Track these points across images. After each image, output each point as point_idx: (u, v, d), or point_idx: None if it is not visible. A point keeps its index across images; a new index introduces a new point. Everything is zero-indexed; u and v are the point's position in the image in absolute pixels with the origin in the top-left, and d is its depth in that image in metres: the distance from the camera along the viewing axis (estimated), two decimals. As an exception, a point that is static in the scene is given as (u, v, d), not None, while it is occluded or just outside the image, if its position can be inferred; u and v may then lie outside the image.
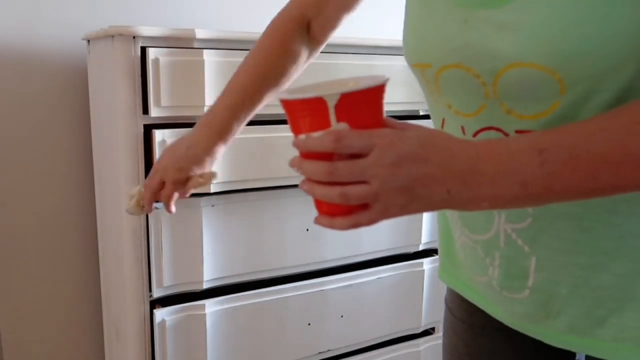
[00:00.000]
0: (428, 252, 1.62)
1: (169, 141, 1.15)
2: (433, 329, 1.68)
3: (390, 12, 2.05)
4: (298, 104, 0.51)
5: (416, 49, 0.63)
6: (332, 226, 0.52)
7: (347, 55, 1.35)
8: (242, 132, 1.23)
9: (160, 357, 1.25)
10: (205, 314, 1.27)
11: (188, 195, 0.90)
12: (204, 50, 1.17)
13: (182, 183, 0.86)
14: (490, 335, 0.74)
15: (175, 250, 1.23)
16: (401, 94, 1.43)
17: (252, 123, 1.27)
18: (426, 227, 1.57)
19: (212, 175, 0.88)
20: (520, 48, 0.50)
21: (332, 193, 0.49)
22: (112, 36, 1.14)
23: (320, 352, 1.47)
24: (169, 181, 0.86)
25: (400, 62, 1.41)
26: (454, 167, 0.48)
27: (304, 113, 0.51)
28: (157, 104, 1.14)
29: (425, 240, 1.58)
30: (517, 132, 0.55)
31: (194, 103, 1.17)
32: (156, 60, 1.12)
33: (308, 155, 0.51)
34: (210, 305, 1.28)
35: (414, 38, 0.63)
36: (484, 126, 0.58)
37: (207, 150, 0.85)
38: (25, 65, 1.41)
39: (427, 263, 1.58)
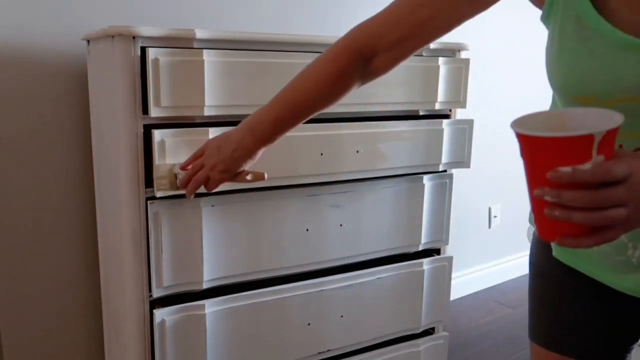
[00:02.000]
0: (428, 252, 1.62)
1: (169, 141, 1.15)
2: (433, 329, 1.68)
3: (391, 12, 2.05)
4: (564, 141, 0.55)
5: (579, 86, 0.68)
6: (579, 245, 0.58)
7: (347, 55, 1.34)
8: (242, 132, 1.23)
9: (160, 357, 1.25)
10: (205, 314, 1.27)
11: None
12: (204, 50, 1.17)
13: (226, 179, 1.02)
14: (593, 296, 0.85)
15: (175, 250, 1.23)
16: (401, 93, 1.43)
17: (252, 123, 1.27)
18: (426, 227, 1.57)
19: (262, 176, 1.07)
20: None
21: (593, 217, 0.55)
22: (112, 36, 1.14)
23: (320, 352, 1.47)
24: (214, 178, 1.01)
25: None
26: None
27: (566, 148, 0.55)
28: (157, 104, 1.14)
29: (425, 240, 1.58)
30: None
31: (193, 103, 1.17)
32: (156, 61, 1.12)
33: (560, 184, 0.56)
34: (210, 305, 1.28)
35: (574, 77, 0.69)
36: None
37: (250, 154, 0.98)
38: (25, 65, 1.41)
39: (427, 263, 1.58)
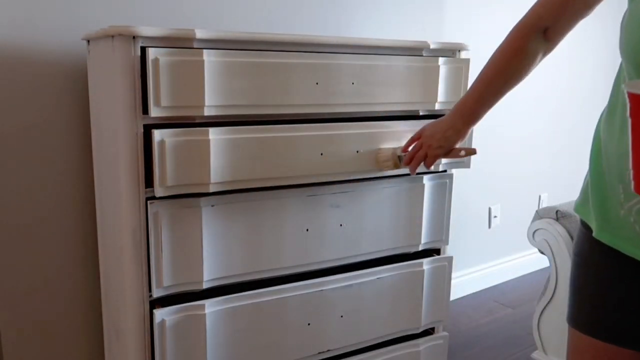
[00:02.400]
0: (428, 252, 1.62)
1: (169, 141, 1.15)
2: (433, 329, 1.68)
3: (390, 12, 2.05)
4: None
5: None
6: None
7: (347, 55, 1.35)
8: (242, 132, 1.23)
9: (160, 357, 1.25)
10: (205, 314, 1.27)
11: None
12: (204, 50, 1.17)
13: (440, 155, 1.24)
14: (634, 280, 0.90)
15: (175, 250, 1.23)
16: (401, 94, 1.43)
17: (251, 123, 1.27)
18: (426, 227, 1.57)
19: (474, 150, 1.28)
20: None
21: None
22: (112, 36, 1.14)
23: (320, 352, 1.47)
24: (431, 155, 1.23)
25: (400, 62, 1.41)
26: None
27: None
28: (157, 104, 1.14)
29: (425, 240, 1.58)
30: None
31: (193, 103, 1.17)
32: (156, 60, 1.12)
33: None
34: (210, 305, 1.28)
35: None
36: None
37: (461, 133, 1.19)
38: (25, 65, 1.41)
39: (427, 263, 1.58)
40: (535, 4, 1.03)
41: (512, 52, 1.06)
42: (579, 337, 0.95)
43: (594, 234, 0.90)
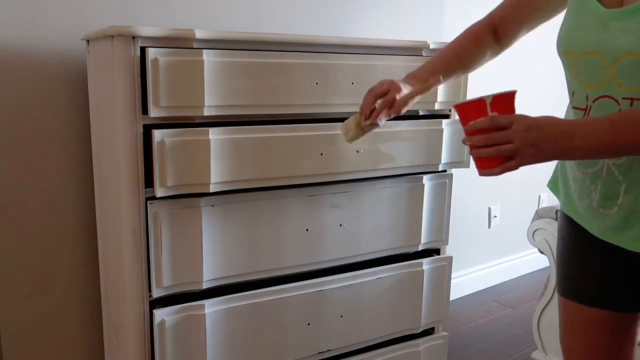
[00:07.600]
0: (428, 252, 1.62)
1: (168, 141, 1.15)
2: (433, 329, 1.68)
3: (390, 12, 2.05)
4: (468, 105, 0.88)
5: (568, 41, 0.95)
6: (491, 174, 0.87)
7: (347, 55, 1.35)
8: (242, 132, 1.23)
9: (160, 357, 1.25)
10: (204, 314, 1.27)
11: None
12: (204, 50, 1.17)
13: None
14: (585, 246, 1.05)
15: (175, 250, 1.23)
16: (401, 94, 1.43)
17: (251, 123, 1.27)
18: (426, 227, 1.57)
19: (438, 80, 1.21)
20: (634, 44, 0.84)
21: (490, 150, 0.85)
22: (112, 36, 1.14)
23: (320, 352, 1.47)
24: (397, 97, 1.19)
25: (400, 62, 1.41)
26: (559, 130, 0.83)
27: (471, 109, 0.88)
28: (157, 104, 1.14)
29: (425, 240, 1.58)
30: (623, 99, 0.87)
31: (193, 103, 1.17)
32: (156, 61, 1.12)
33: (474, 133, 0.87)
34: (210, 306, 1.28)
35: (567, 35, 0.96)
36: (602, 95, 0.90)
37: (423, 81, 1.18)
38: (25, 65, 1.41)
39: (427, 263, 1.58)
40: (496, 8, 1.15)
41: (467, 46, 1.16)
42: (563, 301, 1.10)
43: (561, 208, 1.06)
